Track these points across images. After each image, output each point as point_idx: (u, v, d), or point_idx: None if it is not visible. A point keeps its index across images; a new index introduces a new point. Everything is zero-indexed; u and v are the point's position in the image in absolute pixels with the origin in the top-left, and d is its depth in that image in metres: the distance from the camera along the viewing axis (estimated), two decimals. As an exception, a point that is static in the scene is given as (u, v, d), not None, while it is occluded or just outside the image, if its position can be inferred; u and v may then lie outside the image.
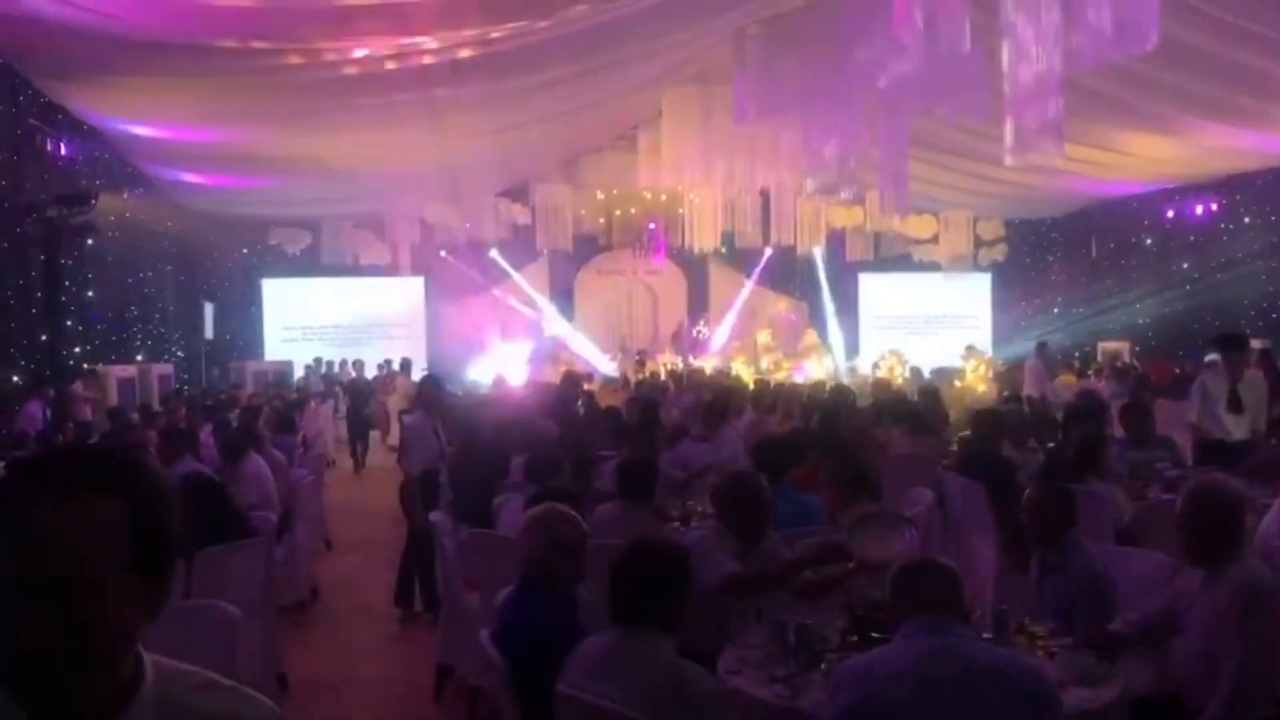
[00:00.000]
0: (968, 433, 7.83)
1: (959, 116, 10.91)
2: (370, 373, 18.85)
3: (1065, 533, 4.07)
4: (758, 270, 21.84)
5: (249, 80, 10.75)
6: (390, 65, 10.60)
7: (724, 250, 20.47)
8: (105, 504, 1.26)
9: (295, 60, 10.20)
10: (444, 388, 8.91)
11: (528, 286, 21.26)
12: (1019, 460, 6.81)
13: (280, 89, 11.24)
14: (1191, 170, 16.79)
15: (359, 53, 10.13)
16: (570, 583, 3.60)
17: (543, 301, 21.42)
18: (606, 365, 20.22)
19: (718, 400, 9.56)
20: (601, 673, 2.96)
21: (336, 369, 19.25)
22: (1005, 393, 12.63)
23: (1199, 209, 18.55)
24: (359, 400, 16.09)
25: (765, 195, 18.55)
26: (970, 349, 19.54)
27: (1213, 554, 3.60)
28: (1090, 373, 16.33)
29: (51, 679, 1.24)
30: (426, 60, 10.60)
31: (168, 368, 16.61)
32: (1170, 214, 19.29)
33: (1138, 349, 19.56)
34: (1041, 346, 16.01)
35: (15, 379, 11.67)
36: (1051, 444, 7.68)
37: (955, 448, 8.03)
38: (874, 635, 3.43)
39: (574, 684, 2.99)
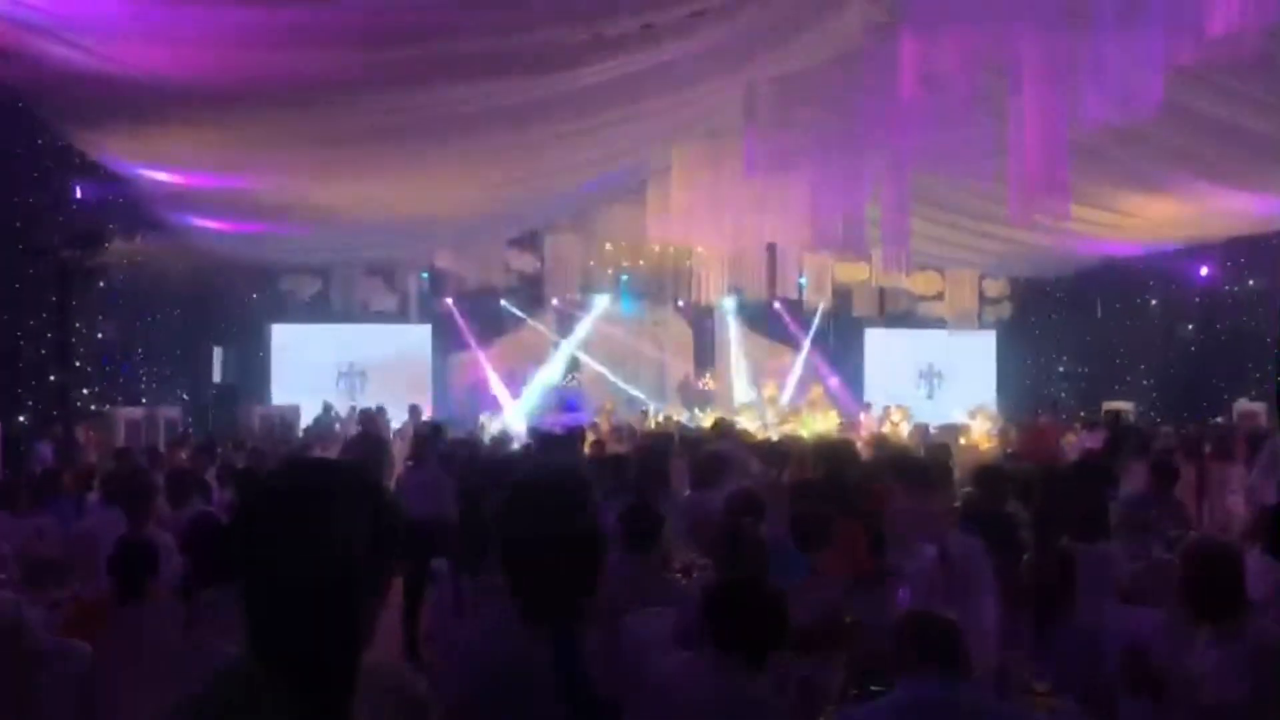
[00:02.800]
0: (970, 489, 7.82)
1: (964, 177, 11.04)
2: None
3: (1065, 597, 4.07)
4: (764, 324, 21.92)
5: (264, 129, 10.89)
6: (403, 118, 10.75)
7: (731, 303, 20.57)
8: (357, 509, 1.41)
9: (312, 111, 10.35)
10: (444, 436, 8.96)
11: (537, 333, 21.37)
12: (1024, 517, 6.79)
13: (294, 139, 11.39)
14: (1196, 232, 16.88)
15: (376, 104, 10.27)
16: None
17: (551, 350, 21.51)
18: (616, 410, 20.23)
19: (719, 453, 9.57)
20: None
21: (344, 415, 19.21)
22: (1009, 450, 12.62)
23: (1203, 271, 18.64)
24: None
25: (773, 249, 18.67)
26: (980, 408, 19.54)
27: (1217, 610, 3.60)
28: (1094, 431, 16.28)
29: (329, 672, 1.39)
30: (440, 112, 10.75)
31: (175, 410, 16.68)
32: (1175, 275, 19.38)
33: (1142, 409, 19.56)
34: (1052, 405, 16.01)
35: (22, 419, 11.73)
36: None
37: (959, 504, 8.02)
38: (875, 688, 3.43)
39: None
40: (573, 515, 2.42)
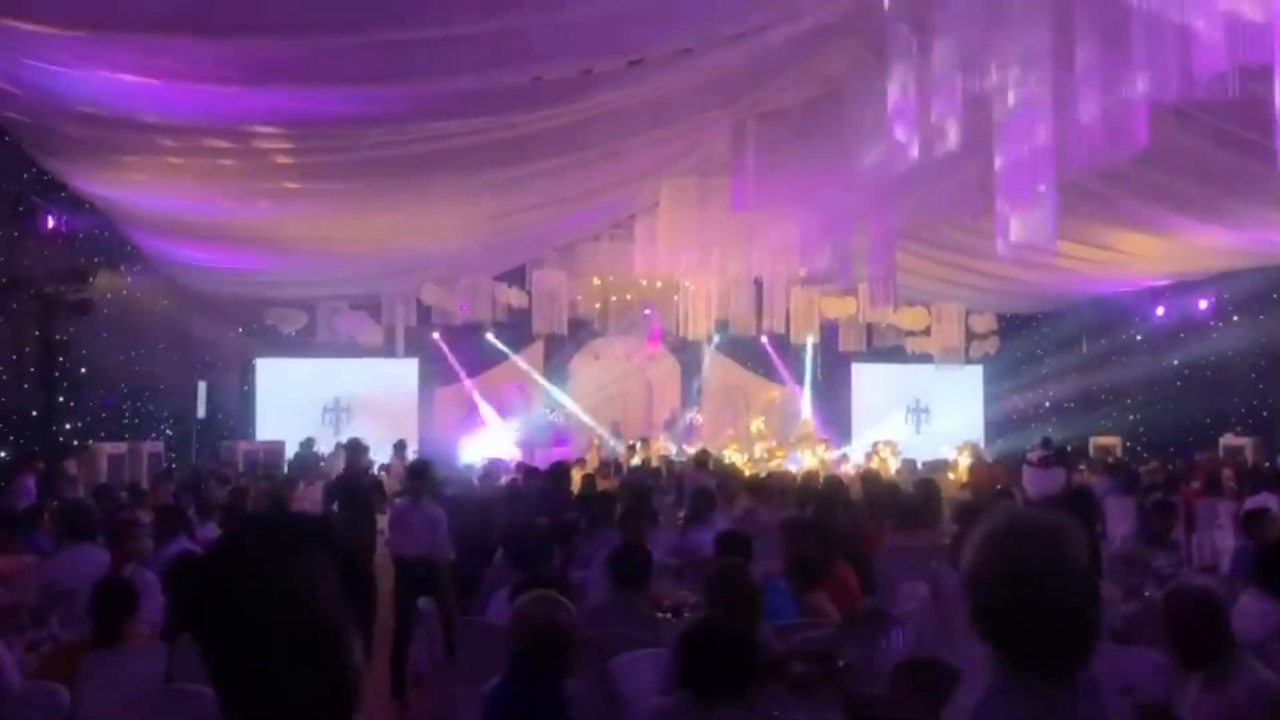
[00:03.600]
0: (959, 526, 7.78)
1: (947, 211, 11.07)
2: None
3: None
4: (751, 358, 21.93)
5: (248, 164, 10.88)
6: (388, 153, 10.75)
7: (718, 338, 20.58)
8: (322, 555, 1.39)
9: (295, 146, 10.34)
10: (433, 472, 8.84)
11: (523, 368, 21.33)
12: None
13: (278, 173, 11.37)
14: (1181, 269, 17.00)
15: (358, 141, 10.27)
16: (560, 676, 3.52)
17: (538, 384, 21.46)
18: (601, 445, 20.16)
19: (708, 489, 9.53)
20: None
21: (327, 451, 19.07)
22: (998, 486, 12.61)
23: (1189, 307, 18.75)
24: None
25: (759, 284, 18.71)
26: (968, 444, 19.56)
27: (1203, 655, 3.57)
28: (1082, 467, 16.32)
29: None
30: (423, 149, 10.75)
31: (158, 445, 16.54)
32: (1160, 311, 19.48)
33: (1129, 444, 19.59)
34: (1046, 443, 16.04)
35: (3, 454, 11.61)
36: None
37: (948, 541, 7.98)
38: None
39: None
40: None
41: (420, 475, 8.03)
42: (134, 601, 4.98)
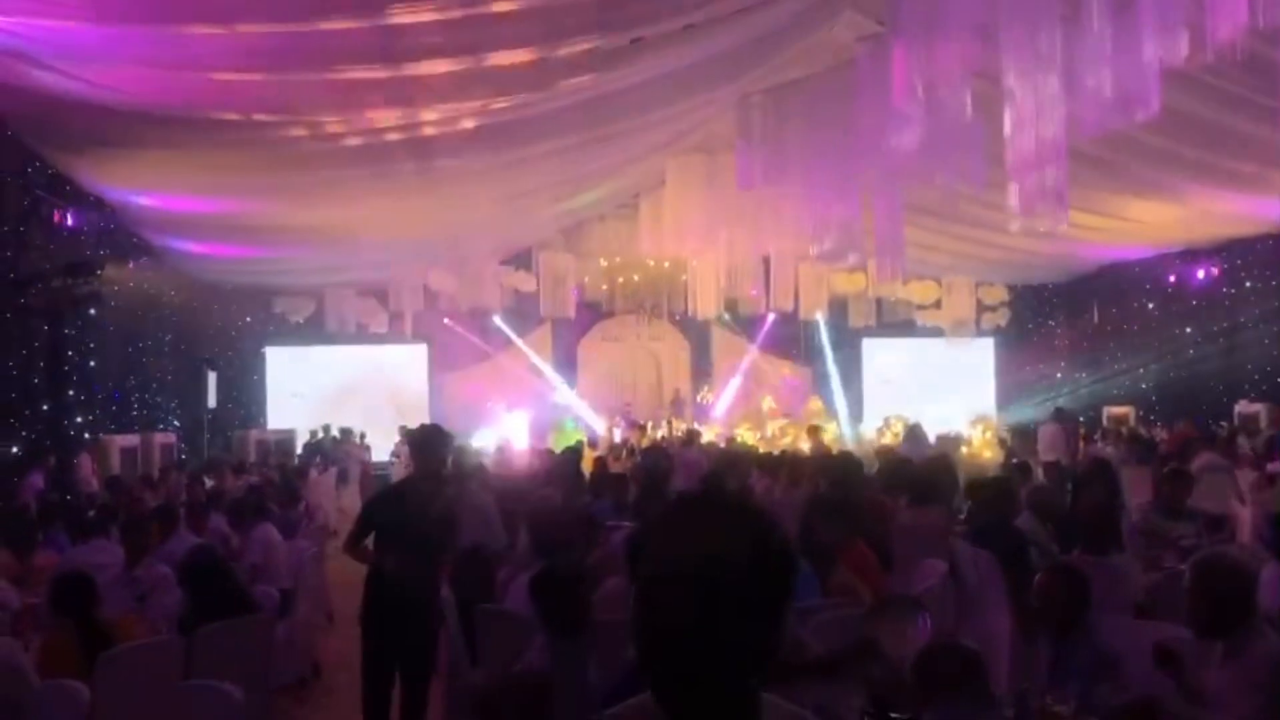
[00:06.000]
0: (974, 502, 7.70)
1: (957, 183, 10.96)
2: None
3: (1079, 617, 3.97)
4: (761, 336, 21.85)
5: (253, 152, 10.82)
6: (393, 136, 10.68)
7: (727, 316, 20.51)
8: (736, 535, 1.47)
9: (298, 132, 10.27)
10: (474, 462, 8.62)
11: (531, 353, 21.29)
12: (1037, 530, 6.69)
13: (284, 160, 11.31)
14: (1193, 235, 16.86)
15: (362, 124, 10.20)
16: None
17: (547, 368, 21.41)
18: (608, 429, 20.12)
19: (718, 472, 9.48)
20: None
21: (337, 434, 19.16)
22: (1014, 460, 12.51)
23: (1200, 274, 18.62)
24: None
25: (767, 261, 18.62)
26: (981, 417, 19.47)
27: (1227, 626, 3.54)
28: (1096, 438, 16.24)
29: (720, 701, 1.45)
30: (429, 131, 10.67)
31: (169, 437, 16.56)
32: (1172, 279, 19.35)
33: (1142, 413, 19.49)
34: (1059, 411, 15.93)
35: (15, 450, 11.62)
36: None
37: (964, 517, 7.92)
38: (893, 716, 3.33)
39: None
40: None
41: (464, 468, 7.89)
42: (92, 590, 4.97)
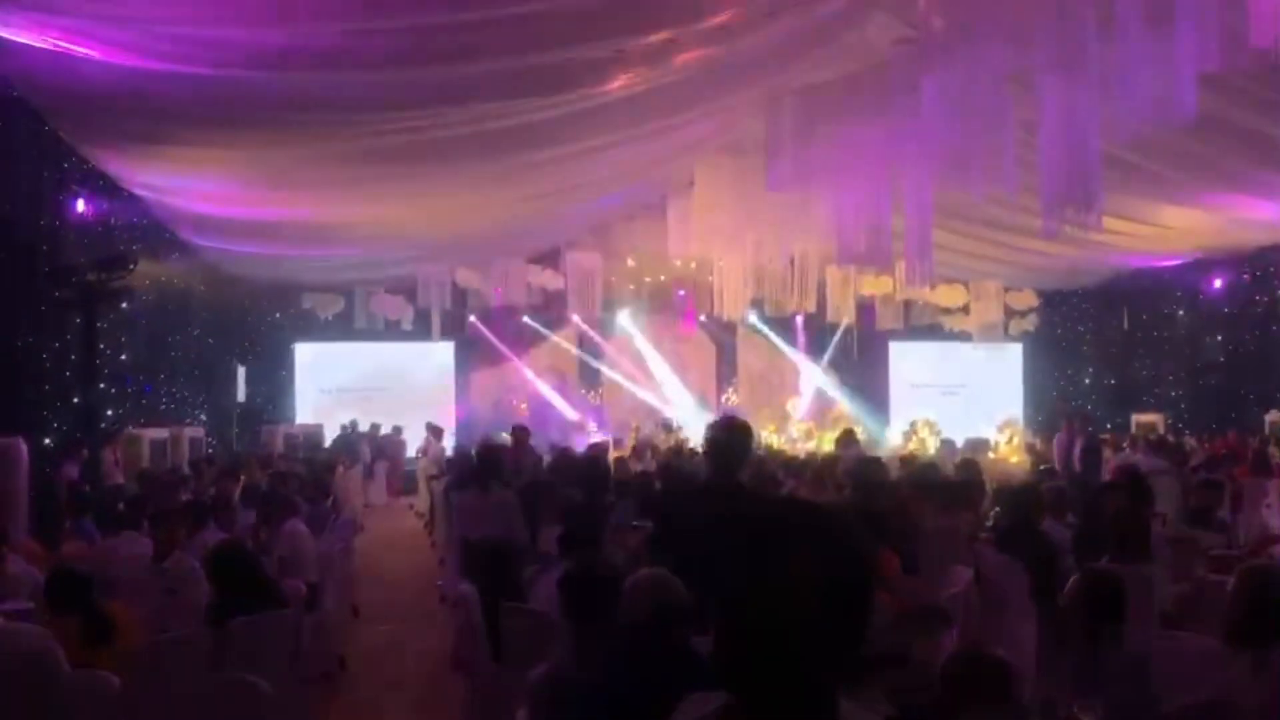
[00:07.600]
0: (998, 508, 7.67)
1: (990, 188, 10.90)
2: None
3: (1109, 626, 3.94)
4: (788, 338, 21.79)
5: (287, 152, 10.90)
6: (421, 136, 10.72)
7: (753, 318, 20.47)
8: (811, 552, 1.49)
9: (333, 131, 10.34)
10: (501, 462, 8.60)
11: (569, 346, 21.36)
12: (1060, 536, 6.66)
13: (316, 160, 11.39)
14: (1223, 242, 16.70)
15: (397, 124, 10.25)
16: None
17: (576, 365, 21.50)
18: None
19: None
20: None
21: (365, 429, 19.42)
22: (1042, 466, 12.44)
23: (1231, 281, 18.45)
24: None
25: (794, 263, 18.56)
26: (1008, 422, 19.33)
27: (1263, 637, 3.51)
28: (1125, 445, 16.12)
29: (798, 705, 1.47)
30: (461, 131, 10.71)
31: (199, 430, 16.70)
32: (1202, 286, 19.18)
33: (1171, 421, 19.33)
34: (1069, 418, 15.81)
35: (47, 441, 11.74)
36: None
37: (991, 523, 7.88)
38: (920, 723, 3.32)
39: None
40: None
41: (490, 467, 7.89)
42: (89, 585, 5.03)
